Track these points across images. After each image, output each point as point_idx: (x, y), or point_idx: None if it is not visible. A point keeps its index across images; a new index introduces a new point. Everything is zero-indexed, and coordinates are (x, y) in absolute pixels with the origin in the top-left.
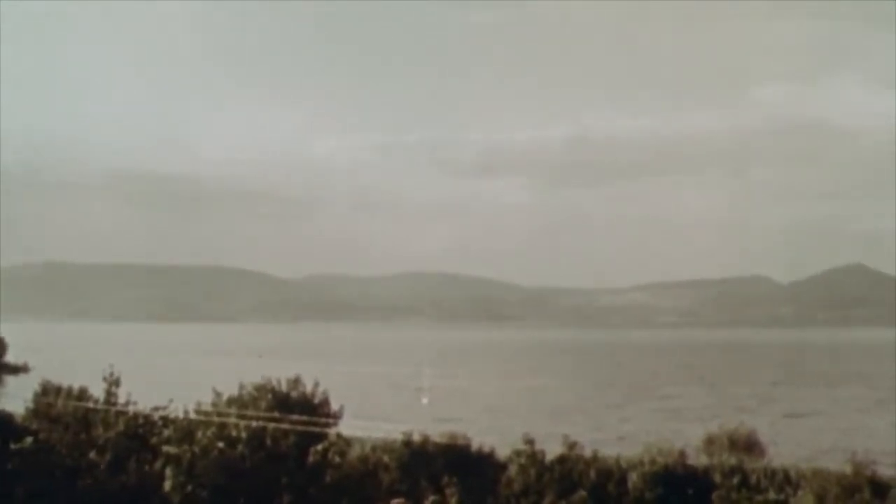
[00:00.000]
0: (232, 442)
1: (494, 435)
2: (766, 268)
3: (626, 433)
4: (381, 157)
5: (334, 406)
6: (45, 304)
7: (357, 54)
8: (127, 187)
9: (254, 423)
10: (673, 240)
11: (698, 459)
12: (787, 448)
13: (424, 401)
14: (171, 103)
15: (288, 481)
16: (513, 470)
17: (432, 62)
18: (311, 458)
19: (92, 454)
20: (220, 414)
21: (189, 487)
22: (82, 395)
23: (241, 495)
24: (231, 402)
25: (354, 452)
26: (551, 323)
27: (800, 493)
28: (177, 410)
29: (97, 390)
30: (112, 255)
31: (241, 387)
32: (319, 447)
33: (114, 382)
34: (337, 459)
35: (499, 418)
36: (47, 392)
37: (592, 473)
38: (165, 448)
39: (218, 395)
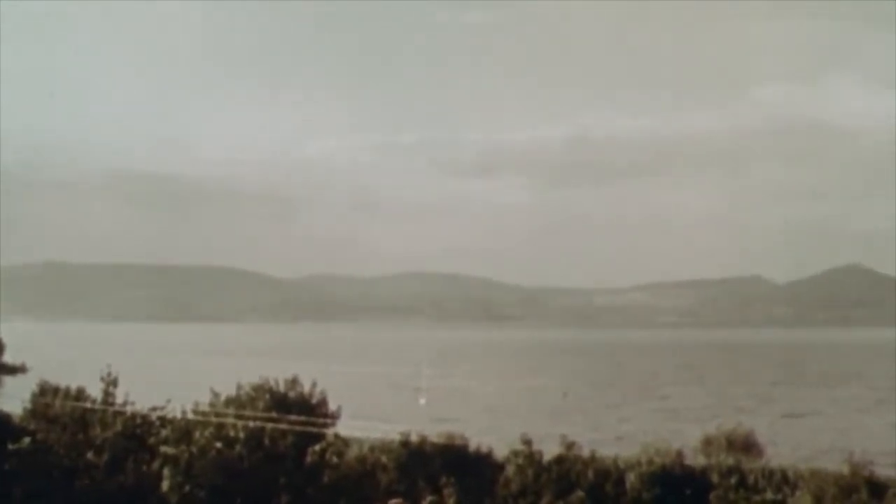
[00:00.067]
0: (230, 442)
1: (492, 435)
2: (766, 268)
3: (624, 433)
4: (381, 157)
5: (332, 406)
6: (44, 304)
7: (356, 54)
8: (127, 187)
9: (251, 424)
10: (672, 240)
11: (696, 460)
12: (785, 448)
13: (422, 401)
14: (170, 103)
15: (286, 481)
16: (510, 470)
17: (432, 62)
18: (308, 459)
19: (90, 454)
20: (217, 414)
21: (187, 488)
22: (80, 395)
23: (238, 495)
24: (229, 402)
25: (352, 453)
26: (550, 323)
27: (797, 493)
28: (174, 410)
29: (96, 390)
30: (112, 255)
31: (239, 387)
32: (317, 447)
33: (111, 382)
34: (335, 460)
35: (497, 418)
36: (45, 392)
37: (590, 474)
38: (163, 448)
39: (216, 395)
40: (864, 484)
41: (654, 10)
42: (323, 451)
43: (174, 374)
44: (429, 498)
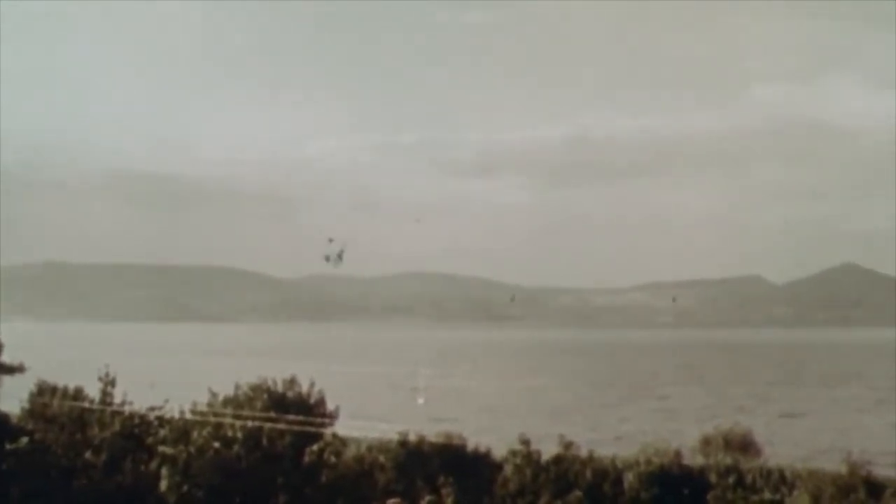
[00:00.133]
0: (228, 442)
1: (491, 435)
2: (765, 268)
3: (623, 433)
4: (380, 157)
5: (330, 406)
6: (44, 303)
7: (356, 54)
8: (127, 187)
9: (250, 424)
10: (672, 240)
11: (694, 459)
12: (783, 448)
13: (421, 401)
14: (170, 103)
15: (284, 481)
16: (508, 470)
17: (431, 62)
18: (306, 459)
19: (88, 454)
20: (215, 414)
21: (185, 487)
22: (78, 395)
23: (236, 495)
24: (227, 402)
25: (350, 452)
26: (550, 323)
27: (795, 493)
28: (172, 410)
29: (95, 390)
30: (112, 255)
31: (237, 387)
32: (315, 447)
33: (109, 382)
34: (333, 459)
35: (496, 418)
36: (43, 392)
37: (588, 473)
38: (161, 448)
39: (214, 395)
40: (861, 484)
41: (654, 10)
42: (321, 450)
43: (173, 375)
44: (427, 498)
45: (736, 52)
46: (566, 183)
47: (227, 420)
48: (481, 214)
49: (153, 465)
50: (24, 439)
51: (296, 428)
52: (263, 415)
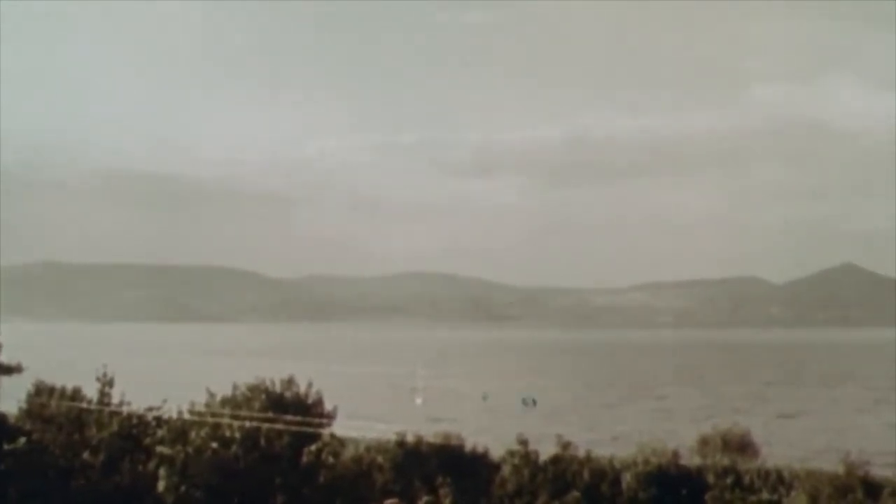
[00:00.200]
0: (226, 442)
1: (488, 435)
2: (764, 268)
3: (620, 433)
4: (380, 158)
5: (328, 406)
6: (43, 304)
7: (355, 54)
8: (127, 187)
9: (248, 424)
10: (671, 240)
11: (692, 460)
12: (780, 448)
13: (419, 401)
14: (170, 103)
15: (282, 482)
16: (506, 470)
17: (430, 62)
18: (304, 459)
19: (85, 455)
20: (213, 414)
21: (183, 488)
22: (76, 395)
23: (234, 496)
24: (225, 402)
25: (348, 453)
26: (549, 323)
27: (793, 493)
28: (170, 411)
29: (92, 391)
30: (111, 255)
31: (235, 387)
32: (313, 447)
33: (107, 383)
34: (331, 460)
35: (494, 418)
36: (41, 392)
37: (586, 474)
38: (159, 448)
39: (212, 395)
40: (859, 484)
41: (654, 11)
42: (319, 451)
43: (173, 375)
44: (425, 498)
45: (736, 52)
46: (566, 183)
47: (225, 420)
48: (481, 214)
49: (151, 465)
50: (22, 439)
51: (294, 428)
52: (261, 415)
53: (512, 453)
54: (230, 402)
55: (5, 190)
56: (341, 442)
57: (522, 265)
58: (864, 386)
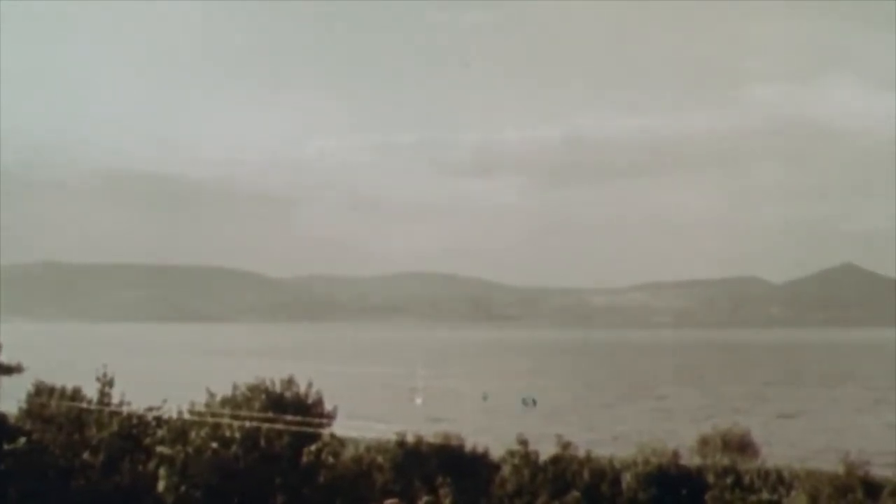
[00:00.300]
0: (226, 442)
1: (488, 435)
2: (763, 268)
3: (620, 433)
4: (379, 158)
5: (328, 406)
6: (43, 304)
7: (355, 54)
8: (126, 187)
9: (248, 424)
10: (670, 240)
11: (692, 460)
12: (780, 448)
13: (418, 401)
14: (170, 103)
15: (282, 482)
16: (506, 470)
17: (429, 62)
18: (304, 459)
19: (85, 455)
20: (213, 414)
21: (183, 488)
22: (76, 395)
23: (234, 496)
24: (225, 402)
25: (348, 453)
26: (549, 323)
27: (793, 493)
28: (170, 411)
29: (92, 391)
30: (111, 255)
31: (235, 387)
32: (313, 447)
33: (107, 383)
34: (331, 460)
35: (494, 418)
36: (40, 392)
37: (586, 474)
38: (159, 448)
39: (211, 395)
40: (859, 484)
41: (654, 11)
42: (319, 451)
43: (173, 375)
44: (425, 498)
45: (736, 52)
46: (565, 183)
47: (225, 420)
48: (480, 214)
49: (151, 465)
50: (22, 440)
51: (294, 428)
52: (261, 415)
53: (512, 453)
54: (230, 402)
55: (5, 190)
56: (341, 442)
57: (522, 265)
58: (863, 386)
